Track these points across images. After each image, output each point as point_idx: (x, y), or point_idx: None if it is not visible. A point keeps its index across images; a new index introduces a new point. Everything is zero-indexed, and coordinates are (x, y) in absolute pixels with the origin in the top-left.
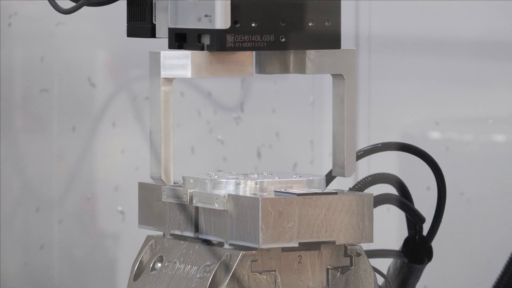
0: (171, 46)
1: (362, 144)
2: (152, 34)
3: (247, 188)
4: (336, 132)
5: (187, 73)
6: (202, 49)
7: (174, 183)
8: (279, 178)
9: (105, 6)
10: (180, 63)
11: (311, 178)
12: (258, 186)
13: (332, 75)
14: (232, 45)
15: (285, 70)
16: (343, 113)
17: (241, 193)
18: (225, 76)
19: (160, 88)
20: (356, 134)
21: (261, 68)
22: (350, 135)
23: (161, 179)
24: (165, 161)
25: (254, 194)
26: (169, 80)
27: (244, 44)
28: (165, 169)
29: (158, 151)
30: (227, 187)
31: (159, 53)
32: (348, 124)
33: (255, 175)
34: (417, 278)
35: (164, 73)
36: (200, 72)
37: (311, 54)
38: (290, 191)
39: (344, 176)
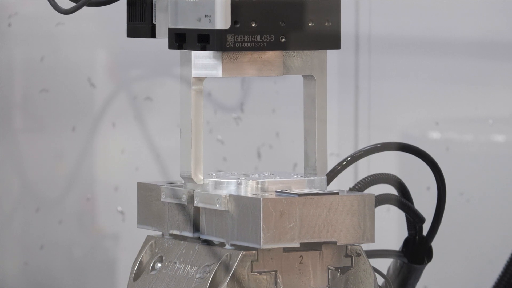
0: (171, 46)
1: (362, 144)
2: (152, 34)
3: (249, 188)
4: (307, 132)
5: (218, 72)
6: (202, 49)
7: (172, 183)
8: (280, 178)
9: (105, 6)
10: (211, 63)
11: (312, 178)
12: (259, 186)
13: (303, 76)
14: (232, 45)
15: (257, 72)
16: (313, 114)
17: (242, 193)
18: (255, 75)
19: (191, 87)
20: (326, 134)
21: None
22: (321, 135)
23: (191, 178)
24: (196, 160)
25: (255, 194)
26: (200, 80)
27: (244, 44)
28: (195, 168)
29: (188, 150)
30: (229, 187)
31: (190, 53)
32: (319, 124)
33: (256, 175)
34: (417, 278)
35: (195, 73)
36: (230, 72)
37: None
38: (291, 191)
39: (315, 176)
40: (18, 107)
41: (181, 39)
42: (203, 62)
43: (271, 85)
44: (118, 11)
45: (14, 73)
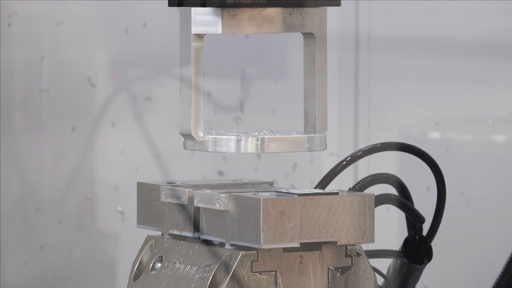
0: (171, 4)
1: (362, 144)
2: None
3: (248, 145)
4: (307, 90)
5: (218, 29)
6: (202, 5)
7: (171, 183)
8: (280, 135)
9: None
10: (211, 20)
11: (312, 135)
12: (259, 142)
13: (303, 34)
14: (232, 2)
15: (257, 28)
16: (313, 71)
17: (242, 150)
18: (254, 32)
19: (190, 44)
20: (326, 92)
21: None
22: (321, 93)
23: (191, 135)
24: (195, 117)
25: (255, 194)
26: (199, 36)
27: (244, 1)
28: (195, 125)
29: (188, 107)
30: (229, 144)
31: (189, 9)
32: (319, 82)
33: (256, 133)
34: (417, 278)
35: (194, 29)
36: (230, 28)
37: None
38: (292, 191)
39: (315, 133)
40: (18, 107)
41: None
42: (203, 18)
43: (271, 85)
44: (118, 11)
45: (14, 73)
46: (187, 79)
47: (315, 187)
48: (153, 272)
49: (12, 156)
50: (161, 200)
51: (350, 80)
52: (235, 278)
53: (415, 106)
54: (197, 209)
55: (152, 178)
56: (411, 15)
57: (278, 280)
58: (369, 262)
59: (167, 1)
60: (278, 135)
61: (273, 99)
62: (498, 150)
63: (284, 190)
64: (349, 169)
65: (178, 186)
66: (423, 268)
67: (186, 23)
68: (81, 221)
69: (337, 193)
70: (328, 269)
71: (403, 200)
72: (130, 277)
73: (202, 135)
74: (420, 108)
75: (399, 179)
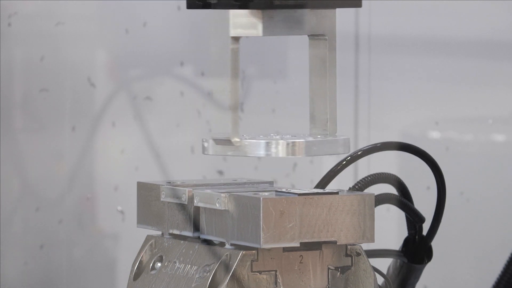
0: (191, 6)
1: (362, 144)
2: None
3: (280, 149)
4: (316, 93)
5: (258, 31)
6: (242, 7)
7: (171, 183)
8: (305, 139)
9: (104, 6)
10: (250, 22)
11: (336, 138)
12: (290, 146)
13: (312, 36)
14: (278, 3)
15: (288, 30)
16: (324, 73)
17: (273, 155)
18: (287, 35)
19: (229, 46)
20: (336, 94)
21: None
22: (332, 96)
23: (228, 140)
24: (234, 121)
25: (255, 193)
26: (237, 39)
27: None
28: (234, 129)
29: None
30: (265, 148)
31: (228, 12)
32: (330, 84)
33: (288, 136)
34: (417, 278)
35: (233, 32)
36: (269, 31)
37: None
38: (292, 191)
39: (327, 136)
40: (18, 106)
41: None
42: (242, 21)
43: (271, 85)
44: (118, 11)
45: (14, 73)
46: (220, 83)
47: (315, 187)
48: (153, 272)
49: (12, 156)
50: (161, 199)
51: (350, 80)
52: (235, 278)
53: (415, 106)
54: (197, 208)
55: (152, 177)
56: (411, 15)
57: (278, 279)
58: (369, 261)
59: (167, 1)
60: (311, 138)
61: (273, 99)
62: (498, 150)
63: (284, 190)
64: (349, 169)
65: (178, 185)
66: (423, 267)
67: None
68: (81, 221)
69: (337, 193)
70: (328, 268)
71: (403, 199)
72: (130, 276)
73: (239, 139)
74: (420, 108)
75: (399, 178)
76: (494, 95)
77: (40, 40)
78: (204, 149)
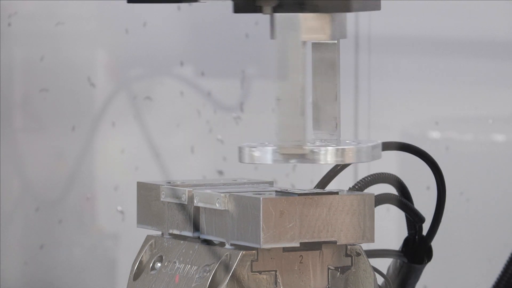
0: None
1: None
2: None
3: (328, 156)
4: (324, 97)
5: (326, 35)
6: (313, 11)
7: (171, 182)
8: (346, 146)
9: (105, 6)
10: (318, 25)
11: (373, 144)
12: (339, 153)
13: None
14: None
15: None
16: (333, 76)
17: (321, 161)
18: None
19: (300, 50)
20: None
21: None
22: (339, 100)
23: (299, 146)
24: (304, 128)
25: (255, 193)
26: (305, 43)
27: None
28: (304, 136)
29: (291, 117)
30: (334, 155)
31: (297, 15)
32: (339, 88)
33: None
34: (417, 278)
35: (305, 37)
36: (334, 35)
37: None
38: (292, 191)
39: (335, 140)
40: (18, 106)
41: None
42: (309, 25)
43: (271, 84)
44: (118, 11)
45: (14, 73)
46: (287, 88)
47: (315, 187)
48: (153, 272)
49: (12, 156)
50: (161, 199)
51: (350, 79)
52: (235, 278)
53: (415, 106)
54: (197, 208)
55: (152, 177)
56: (411, 15)
57: (278, 279)
58: (369, 261)
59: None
60: (361, 145)
61: (273, 99)
62: (498, 150)
63: (284, 190)
64: (349, 169)
65: (178, 185)
66: (423, 267)
67: (289, 29)
68: (81, 220)
69: (337, 193)
70: (328, 268)
71: (403, 199)
72: (130, 276)
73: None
74: (420, 108)
75: (399, 178)
76: (494, 95)
77: (40, 40)
78: (254, 158)
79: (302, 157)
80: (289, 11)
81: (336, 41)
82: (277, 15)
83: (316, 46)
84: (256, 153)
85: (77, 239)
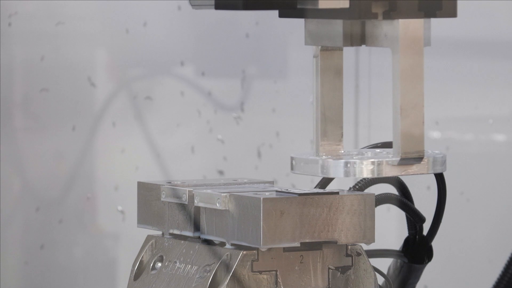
0: (282, 15)
1: (362, 144)
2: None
3: (364, 169)
4: (330, 108)
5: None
6: (351, 18)
7: (171, 182)
8: (387, 158)
9: (105, 6)
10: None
11: (408, 157)
12: (375, 167)
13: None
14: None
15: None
16: (341, 88)
17: (357, 175)
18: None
19: (422, 58)
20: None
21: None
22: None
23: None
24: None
25: (256, 193)
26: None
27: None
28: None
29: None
30: (337, 170)
31: (421, 22)
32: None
33: (369, 154)
34: (417, 278)
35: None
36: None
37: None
38: (292, 190)
39: (344, 152)
40: (18, 106)
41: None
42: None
43: (271, 84)
44: (118, 11)
45: (14, 73)
46: (411, 97)
47: (315, 187)
48: (153, 272)
49: (12, 156)
50: (162, 199)
51: (350, 79)
52: (235, 278)
53: None
54: (198, 208)
55: (152, 177)
56: None
57: (278, 279)
58: (369, 261)
59: (167, 1)
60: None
61: (273, 99)
62: (498, 149)
63: (284, 190)
64: None
65: (178, 185)
66: (424, 267)
67: (413, 37)
68: (81, 220)
69: (337, 193)
70: (329, 268)
71: (404, 199)
72: (130, 276)
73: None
74: None
75: (399, 178)
76: (494, 95)
77: (40, 40)
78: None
79: (421, 167)
80: (409, 16)
81: (342, 48)
82: (401, 21)
83: (323, 54)
84: (370, 167)
85: (77, 239)
